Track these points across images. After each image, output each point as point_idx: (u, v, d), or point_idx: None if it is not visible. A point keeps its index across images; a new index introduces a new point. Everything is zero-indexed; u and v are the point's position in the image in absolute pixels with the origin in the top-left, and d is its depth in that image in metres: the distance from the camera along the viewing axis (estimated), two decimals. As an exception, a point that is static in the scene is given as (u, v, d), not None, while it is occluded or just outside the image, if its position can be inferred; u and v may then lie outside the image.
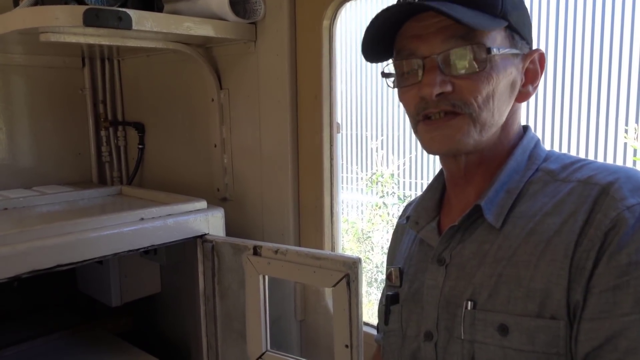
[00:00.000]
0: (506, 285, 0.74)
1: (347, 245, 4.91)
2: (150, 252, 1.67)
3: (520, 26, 0.79)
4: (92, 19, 1.21)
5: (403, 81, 0.82)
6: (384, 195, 5.00)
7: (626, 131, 4.04)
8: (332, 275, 1.17)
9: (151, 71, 1.91)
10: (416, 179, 5.35)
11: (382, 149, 5.39)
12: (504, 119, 0.81)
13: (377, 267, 4.71)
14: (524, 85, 0.82)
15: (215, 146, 1.70)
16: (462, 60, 0.76)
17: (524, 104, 0.86)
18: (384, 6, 0.77)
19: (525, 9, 0.82)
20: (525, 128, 0.88)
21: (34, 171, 1.88)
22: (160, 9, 1.46)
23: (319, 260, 1.20)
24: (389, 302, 0.91)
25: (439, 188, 0.93)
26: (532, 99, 0.88)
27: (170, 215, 1.40)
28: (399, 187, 5.17)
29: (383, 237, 4.83)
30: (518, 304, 0.73)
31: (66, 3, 1.24)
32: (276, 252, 1.27)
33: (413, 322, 0.87)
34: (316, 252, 1.23)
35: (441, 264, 0.83)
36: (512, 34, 0.79)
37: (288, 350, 1.55)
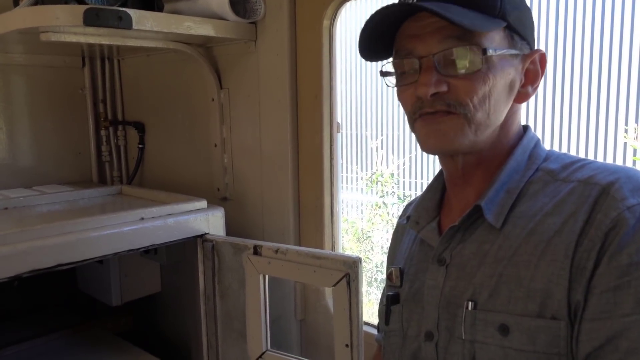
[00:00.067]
0: (507, 285, 0.74)
1: (347, 245, 4.91)
2: (150, 252, 1.67)
3: (520, 26, 0.79)
4: (92, 19, 1.21)
5: (401, 80, 0.82)
6: (383, 195, 5.00)
7: (626, 131, 4.04)
8: (332, 275, 1.17)
9: (151, 71, 1.91)
10: (416, 178, 5.35)
11: (382, 148, 5.39)
12: (501, 119, 0.81)
13: (377, 266, 4.71)
14: (523, 86, 0.82)
15: (216, 146, 1.70)
16: (458, 60, 0.76)
17: (524, 104, 0.86)
18: (383, 6, 0.77)
19: (527, 9, 0.82)
20: (525, 128, 0.87)
21: (34, 171, 1.88)
22: (160, 9, 1.46)
23: (319, 260, 1.20)
24: (389, 302, 0.91)
25: (439, 188, 0.93)
26: (532, 99, 0.88)
27: (170, 214, 1.40)
28: (398, 187, 5.18)
29: (383, 237, 4.84)
30: (519, 304, 0.73)
31: (66, 2, 1.24)
32: (276, 251, 1.28)
33: (414, 322, 0.87)
34: (316, 251, 1.23)
35: (441, 264, 0.83)
36: (511, 34, 0.79)
37: (288, 349, 1.55)
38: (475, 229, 0.81)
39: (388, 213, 4.91)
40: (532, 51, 0.82)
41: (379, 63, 0.86)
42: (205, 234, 1.45)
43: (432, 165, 5.19)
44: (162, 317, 1.87)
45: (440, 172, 0.93)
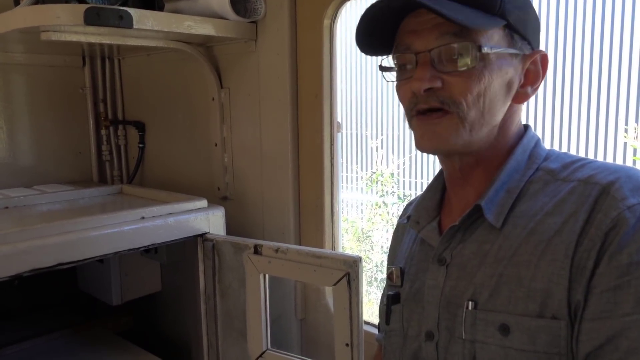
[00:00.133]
0: (507, 285, 0.74)
1: (347, 244, 4.91)
2: (150, 251, 1.67)
3: (521, 26, 0.79)
4: (93, 18, 1.21)
5: (400, 75, 0.83)
6: (383, 195, 5.00)
7: (626, 130, 4.04)
8: (333, 274, 1.17)
9: (152, 70, 1.91)
10: (416, 178, 5.35)
11: (382, 148, 5.39)
12: (497, 119, 0.80)
13: (377, 266, 4.71)
14: (522, 86, 0.82)
15: (216, 145, 1.70)
16: (453, 57, 0.75)
17: (524, 104, 0.86)
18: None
19: (532, 10, 0.81)
20: (526, 127, 0.87)
21: (35, 170, 1.88)
22: (161, 8, 1.46)
23: (319, 259, 1.20)
24: (390, 302, 0.91)
25: (439, 188, 0.93)
26: (532, 99, 0.88)
27: (170, 214, 1.40)
28: (398, 187, 5.18)
29: (383, 237, 4.84)
30: (519, 303, 0.73)
31: (67, 2, 1.24)
32: (277, 251, 1.28)
33: (414, 322, 0.87)
34: (317, 251, 1.23)
35: (442, 264, 0.83)
36: (511, 34, 0.78)
37: (288, 349, 1.55)
38: (476, 228, 0.81)
39: (388, 213, 4.91)
40: (533, 52, 0.82)
41: (379, 62, 0.86)
42: (206, 233, 1.45)
43: (432, 165, 5.19)
44: (163, 317, 1.87)
45: (441, 171, 0.93)
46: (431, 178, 0.96)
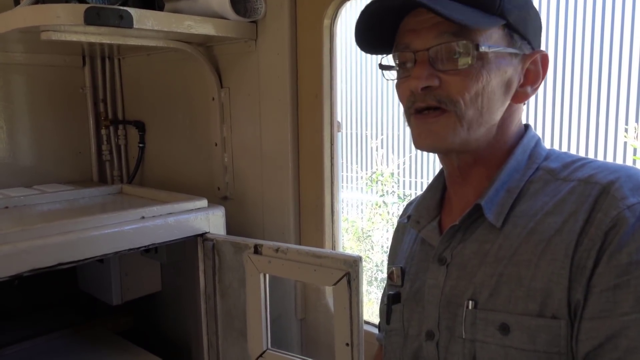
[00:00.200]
0: (507, 285, 0.74)
1: (347, 244, 4.91)
2: (150, 251, 1.67)
3: (521, 26, 0.79)
4: (93, 18, 1.21)
5: (399, 74, 0.83)
6: (384, 194, 5.00)
7: (626, 130, 4.04)
8: (333, 274, 1.17)
9: (152, 70, 1.91)
10: (416, 178, 5.35)
11: (382, 147, 5.39)
12: (496, 118, 0.80)
13: (377, 266, 4.71)
14: (522, 86, 0.82)
15: (216, 145, 1.70)
16: (451, 56, 0.76)
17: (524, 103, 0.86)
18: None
19: (533, 10, 0.81)
20: (526, 127, 0.87)
21: (35, 170, 1.88)
22: (161, 8, 1.46)
23: (319, 259, 1.20)
24: (390, 302, 0.91)
25: (439, 187, 0.93)
26: (532, 99, 0.88)
27: (170, 213, 1.40)
28: (399, 186, 5.18)
29: (383, 236, 4.84)
30: (519, 303, 0.73)
31: (67, 1, 1.24)
32: (277, 250, 1.28)
33: (414, 322, 0.87)
34: (317, 250, 1.23)
35: (442, 264, 0.83)
36: (511, 33, 0.78)
37: (289, 348, 1.55)
38: (476, 228, 0.81)
39: (388, 212, 4.91)
40: (534, 51, 0.82)
41: (379, 61, 0.87)
42: (206, 233, 1.45)
43: (432, 165, 5.19)
44: (163, 316, 1.87)
45: (441, 171, 0.93)
46: (431, 178, 0.96)
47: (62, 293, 1.96)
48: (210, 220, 1.46)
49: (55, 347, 1.70)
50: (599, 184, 0.73)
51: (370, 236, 4.95)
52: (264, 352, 1.34)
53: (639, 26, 3.97)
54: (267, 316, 1.34)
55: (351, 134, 5.75)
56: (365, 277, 4.48)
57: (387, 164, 5.27)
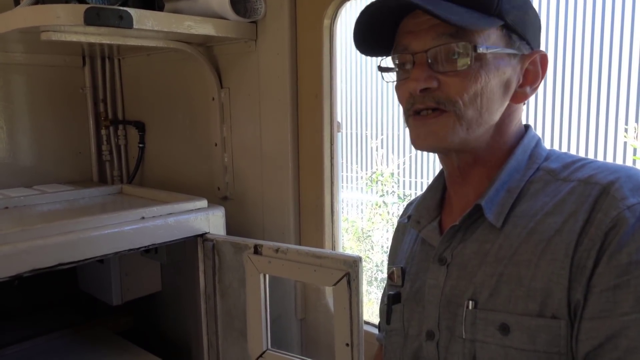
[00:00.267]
0: (507, 285, 0.74)
1: (347, 244, 4.91)
2: (150, 251, 1.68)
3: (520, 26, 0.79)
4: (93, 18, 1.21)
5: (399, 75, 0.83)
6: (384, 194, 5.00)
7: (626, 130, 4.04)
8: (333, 274, 1.17)
9: (152, 70, 1.91)
10: (416, 178, 5.35)
11: (382, 147, 5.39)
12: (495, 118, 0.81)
13: (377, 266, 4.71)
14: (521, 86, 0.82)
15: (216, 145, 1.70)
16: (449, 57, 0.76)
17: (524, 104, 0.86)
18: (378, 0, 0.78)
19: (532, 10, 0.81)
20: (527, 127, 0.87)
21: (35, 170, 1.88)
22: (161, 8, 1.46)
23: (319, 259, 1.20)
24: (390, 302, 0.91)
25: (439, 188, 0.94)
26: (532, 99, 0.88)
27: (170, 214, 1.40)
28: (399, 186, 5.18)
29: (383, 236, 4.84)
30: (519, 303, 0.73)
31: (67, 2, 1.24)
32: (277, 250, 1.28)
33: (415, 322, 0.87)
34: (317, 250, 1.23)
35: (442, 264, 0.83)
36: (509, 34, 0.79)
37: (288, 348, 1.56)
38: (476, 228, 0.81)
39: (388, 212, 4.91)
40: (533, 51, 0.82)
41: (379, 63, 0.87)
42: (206, 233, 1.45)
43: (432, 165, 5.19)
44: (163, 317, 1.87)
45: (441, 171, 0.93)
46: (431, 178, 0.96)
47: (62, 293, 1.96)
48: (210, 221, 1.46)
49: (56, 347, 1.70)
50: (599, 184, 0.73)
51: (370, 236, 4.95)
52: (264, 352, 1.35)
53: (639, 26, 3.97)
54: (267, 316, 1.34)
55: (351, 134, 5.75)
56: (365, 277, 4.48)
57: (387, 164, 5.27)
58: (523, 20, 0.79)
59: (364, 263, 1.15)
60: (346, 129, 5.74)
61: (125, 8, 1.27)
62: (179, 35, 1.47)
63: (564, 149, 4.31)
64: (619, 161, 4.10)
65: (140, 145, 1.97)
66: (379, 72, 0.86)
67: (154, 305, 1.87)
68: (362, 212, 5.45)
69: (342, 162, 4.50)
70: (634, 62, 4.01)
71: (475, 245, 0.80)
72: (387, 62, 0.85)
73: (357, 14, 0.80)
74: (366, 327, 1.30)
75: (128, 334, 1.84)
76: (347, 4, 1.41)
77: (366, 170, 5.57)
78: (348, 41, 0.84)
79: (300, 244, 1.55)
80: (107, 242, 1.27)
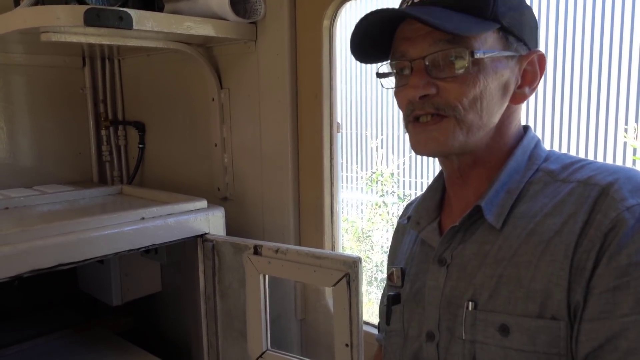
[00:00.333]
0: (507, 286, 0.75)
1: (347, 244, 4.91)
2: (150, 252, 1.67)
3: (517, 28, 0.79)
4: (93, 19, 1.21)
5: (397, 81, 0.83)
6: (383, 195, 5.00)
7: (626, 130, 4.04)
8: (333, 275, 1.17)
9: (151, 71, 1.91)
10: (416, 178, 5.35)
11: (382, 148, 5.40)
12: (495, 120, 0.81)
13: (377, 266, 4.71)
14: (520, 87, 0.82)
15: (216, 145, 1.70)
16: (447, 63, 0.76)
17: (524, 104, 0.86)
18: (372, 10, 0.78)
19: (527, 10, 0.81)
20: (526, 128, 0.88)
21: (35, 170, 1.88)
22: (160, 9, 1.46)
23: (319, 260, 1.20)
24: (390, 302, 0.92)
25: (439, 188, 0.94)
26: (531, 99, 0.88)
27: (170, 214, 1.40)
28: (398, 186, 5.18)
29: (383, 236, 4.84)
30: (519, 304, 0.73)
31: (67, 3, 1.24)
32: (276, 251, 1.28)
33: (415, 323, 0.87)
34: (316, 251, 1.23)
35: (442, 265, 0.83)
36: (506, 36, 0.78)
37: (288, 349, 1.56)
38: (476, 229, 0.81)
39: (388, 212, 4.91)
40: (530, 52, 0.81)
41: (377, 69, 0.87)
42: (206, 233, 1.45)
43: (432, 165, 5.19)
44: (163, 317, 1.87)
45: (441, 172, 0.93)
46: (431, 178, 0.96)
47: (62, 293, 1.96)
48: (210, 221, 1.46)
49: (56, 348, 1.70)
50: (598, 186, 0.73)
51: (370, 236, 4.95)
52: (263, 352, 1.35)
53: (639, 26, 3.97)
54: (266, 317, 1.34)
55: (351, 134, 5.75)
56: (365, 278, 4.48)
57: (387, 164, 5.27)
58: (519, 21, 0.79)
59: (363, 263, 1.15)
60: (346, 129, 5.74)
61: (125, 9, 1.27)
62: (179, 36, 1.48)
63: (564, 149, 4.31)
64: (619, 161, 4.11)
65: (140, 145, 1.97)
66: (378, 79, 0.86)
67: (154, 305, 1.87)
68: (362, 212, 5.45)
69: (342, 162, 4.50)
70: (634, 62, 4.01)
71: (474, 247, 0.80)
72: (385, 67, 0.85)
73: (360, 15, 0.80)
74: (366, 328, 1.30)
75: (128, 334, 1.84)
76: (347, 5, 1.41)
77: (366, 170, 5.58)
78: (347, 41, 0.84)
79: (300, 245, 1.55)
80: (107, 242, 1.27)
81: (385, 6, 0.79)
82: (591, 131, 4.27)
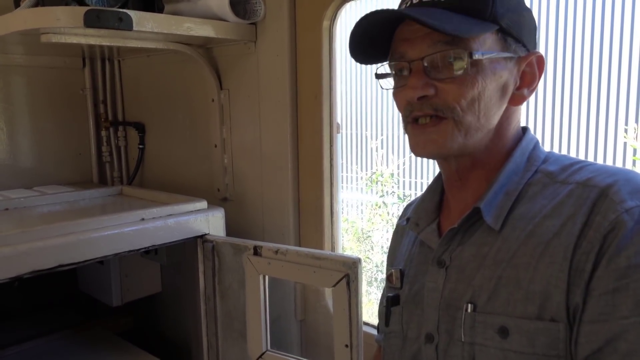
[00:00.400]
0: (506, 288, 0.75)
1: (347, 244, 4.91)
2: (150, 252, 1.68)
3: (515, 29, 0.79)
4: (93, 20, 1.22)
5: (396, 82, 0.83)
6: (383, 195, 5.00)
7: (626, 131, 4.04)
8: (332, 275, 1.17)
9: (151, 71, 1.91)
10: (416, 178, 5.35)
11: (381, 148, 5.40)
12: (493, 122, 0.81)
13: (376, 266, 4.71)
14: (519, 88, 0.82)
15: (216, 146, 1.71)
16: (445, 64, 0.76)
17: (523, 105, 0.86)
18: (371, 11, 0.78)
19: (526, 11, 0.81)
20: (525, 130, 0.88)
21: (35, 171, 1.88)
22: (160, 10, 1.46)
23: (319, 261, 1.20)
24: (389, 304, 0.92)
25: (438, 190, 0.94)
26: (531, 99, 0.88)
27: (170, 215, 1.40)
28: (398, 187, 5.18)
29: (383, 237, 4.84)
30: (518, 306, 0.73)
31: (67, 4, 1.25)
32: (276, 252, 1.28)
33: (414, 324, 0.87)
34: (316, 252, 1.23)
35: (441, 266, 0.83)
36: (504, 37, 0.78)
37: (288, 349, 1.56)
38: (475, 231, 0.81)
39: (388, 213, 4.91)
40: (529, 53, 0.81)
41: (375, 70, 0.87)
42: (206, 234, 1.45)
43: (432, 166, 5.19)
44: (163, 317, 1.87)
45: (440, 173, 0.93)
46: (431, 178, 0.96)
47: (63, 294, 1.96)
48: (210, 222, 1.46)
49: (56, 348, 1.70)
50: (597, 187, 0.73)
51: (370, 237, 4.95)
52: (263, 353, 1.35)
53: (639, 26, 3.97)
54: (266, 317, 1.34)
55: (351, 134, 5.75)
56: (365, 278, 4.48)
57: (387, 165, 5.27)
58: (518, 22, 0.79)
59: (363, 264, 1.15)
60: (346, 130, 5.74)
61: (125, 10, 1.27)
62: (179, 37, 1.48)
63: (564, 150, 4.31)
64: (619, 162, 4.10)
65: (140, 146, 1.97)
66: (377, 79, 0.86)
67: (154, 306, 1.87)
68: (362, 212, 5.45)
69: (342, 163, 4.50)
70: (634, 62, 4.01)
71: (473, 248, 0.80)
72: (384, 68, 0.85)
73: (359, 15, 0.80)
74: (365, 328, 1.30)
75: (128, 334, 1.85)
76: (347, 5, 1.41)
77: (366, 170, 5.58)
78: (347, 42, 0.84)
79: (299, 245, 1.55)
80: (107, 243, 1.27)
81: (385, 6, 0.79)
82: (591, 132, 4.27)
